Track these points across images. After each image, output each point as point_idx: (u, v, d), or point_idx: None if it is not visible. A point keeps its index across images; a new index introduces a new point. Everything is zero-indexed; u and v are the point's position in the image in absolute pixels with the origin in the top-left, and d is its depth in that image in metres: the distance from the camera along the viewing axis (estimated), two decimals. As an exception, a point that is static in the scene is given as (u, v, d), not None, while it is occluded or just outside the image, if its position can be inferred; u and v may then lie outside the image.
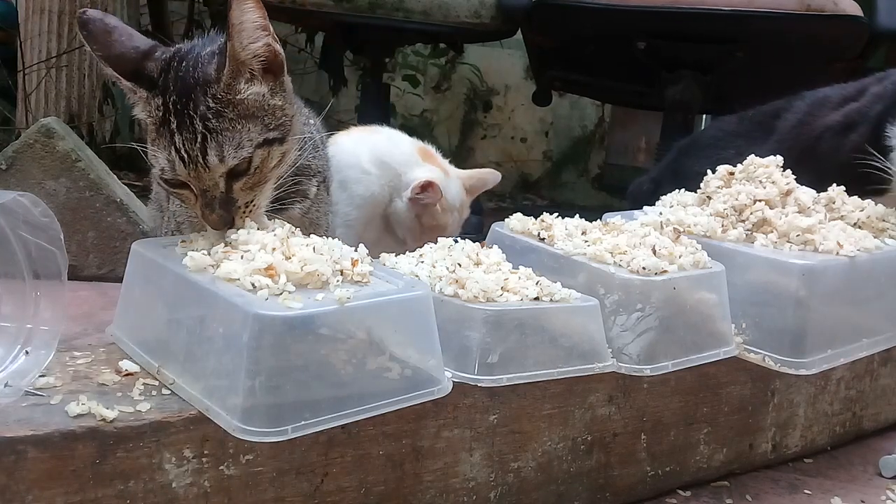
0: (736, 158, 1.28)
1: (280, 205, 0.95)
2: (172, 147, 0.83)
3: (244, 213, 0.87)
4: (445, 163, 1.50)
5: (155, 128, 0.84)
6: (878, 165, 1.36)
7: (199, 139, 0.82)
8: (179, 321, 0.84)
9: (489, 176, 1.50)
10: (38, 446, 0.68)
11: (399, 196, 1.43)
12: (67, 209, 1.72)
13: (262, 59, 0.86)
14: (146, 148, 0.87)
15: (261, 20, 0.84)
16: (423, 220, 1.42)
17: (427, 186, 1.39)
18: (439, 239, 1.02)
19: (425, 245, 1.01)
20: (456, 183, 1.47)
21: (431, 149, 1.51)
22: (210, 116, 0.83)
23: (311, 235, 0.87)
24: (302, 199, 1.02)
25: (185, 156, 0.82)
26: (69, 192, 1.74)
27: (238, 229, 0.86)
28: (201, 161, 0.83)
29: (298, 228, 0.91)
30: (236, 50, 0.84)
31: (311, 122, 1.11)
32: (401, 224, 1.44)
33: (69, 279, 0.84)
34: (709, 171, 1.24)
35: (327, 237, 0.88)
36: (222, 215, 0.85)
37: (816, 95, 1.64)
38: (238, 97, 0.85)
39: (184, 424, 0.74)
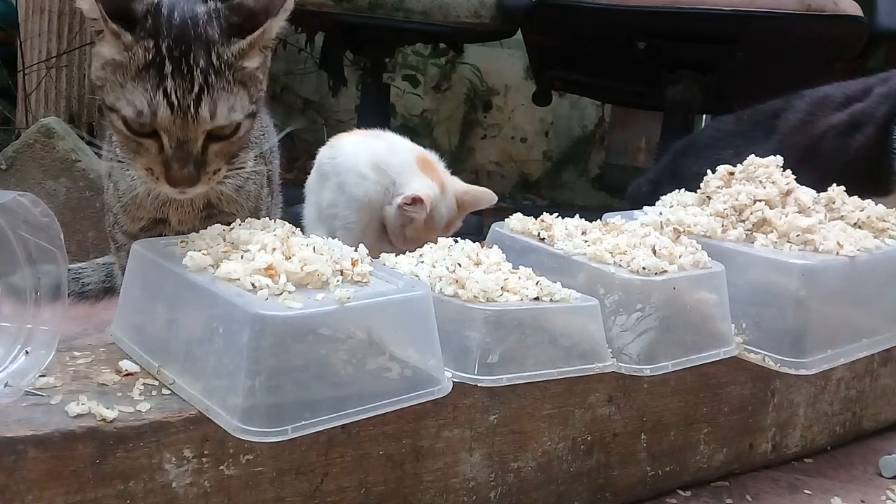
0: (734, 158, 1.27)
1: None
2: (160, 90, 0.81)
3: (210, 178, 0.87)
4: (445, 174, 1.49)
5: (135, 70, 0.82)
6: (884, 166, 1.36)
7: (195, 89, 0.82)
8: (179, 321, 0.84)
9: (485, 196, 1.48)
10: (38, 446, 0.68)
11: (390, 202, 1.42)
12: (67, 209, 1.72)
13: (273, 39, 0.89)
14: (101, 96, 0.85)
15: (291, 6, 0.88)
16: (406, 230, 1.42)
17: (416, 201, 1.38)
18: (439, 239, 1.02)
19: (425, 245, 1.01)
20: (449, 201, 1.44)
21: (433, 157, 1.50)
22: (211, 72, 0.83)
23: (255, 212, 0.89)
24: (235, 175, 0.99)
25: (175, 102, 0.81)
26: (69, 192, 1.74)
27: (196, 191, 0.86)
28: (192, 111, 0.82)
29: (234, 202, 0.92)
30: (273, 24, 0.87)
31: None
32: (389, 228, 1.45)
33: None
34: (709, 172, 1.24)
35: (269, 212, 0.88)
36: (190, 173, 0.84)
37: (817, 94, 1.64)
38: (242, 63, 0.86)
39: (184, 424, 0.74)
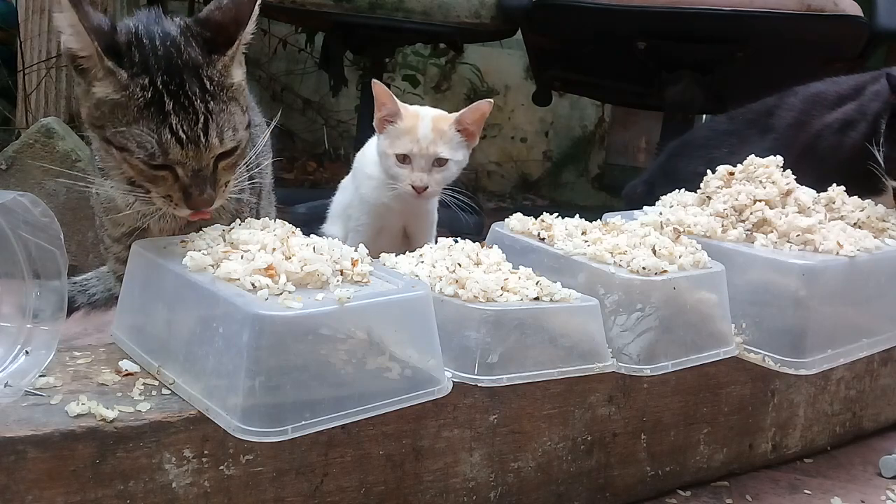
0: (729, 157, 1.27)
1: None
2: (167, 128, 0.81)
3: (224, 191, 0.89)
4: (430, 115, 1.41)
5: (137, 109, 0.82)
6: (875, 163, 1.36)
7: (201, 120, 0.83)
8: (179, 321, 0.83)
9: (481, 105, 1.36)
10: (38, 446, 0.68)
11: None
12: (67, 209, 1.72)
13: (246, 46, 0.89)
14: (92, 132, 0.85)
15: (257, 11, 0.88)
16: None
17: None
18: (439, 239, 1.02)
19: (425, 245, 1.01)
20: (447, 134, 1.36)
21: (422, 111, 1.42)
22: (209, 98, 0.84)
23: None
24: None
25: (184, 136, 0.82)
26: (69, 192, 1.74)
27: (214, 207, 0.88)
28: (203, 142, 0.83)
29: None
30: (244, 35, 0.86)
31: None
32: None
33: (69, 278, 0.84)
34: (709, 172, 1.24)
35: (258, 212, 0.90)
36: (210, 196, 0.86)
37: (809, 91, 1.64)
38: (229, 80, 0.86)
39: (184, 424, 0.74)
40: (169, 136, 0.82)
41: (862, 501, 1.10)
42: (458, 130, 1.36)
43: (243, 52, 0.89)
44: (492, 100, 1.36)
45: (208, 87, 0.84)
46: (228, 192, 0.90)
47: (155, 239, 0.93)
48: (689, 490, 1.10)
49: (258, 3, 0.86)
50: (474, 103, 1.35)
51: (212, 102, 0.84)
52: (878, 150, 1.37)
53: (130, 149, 0.82)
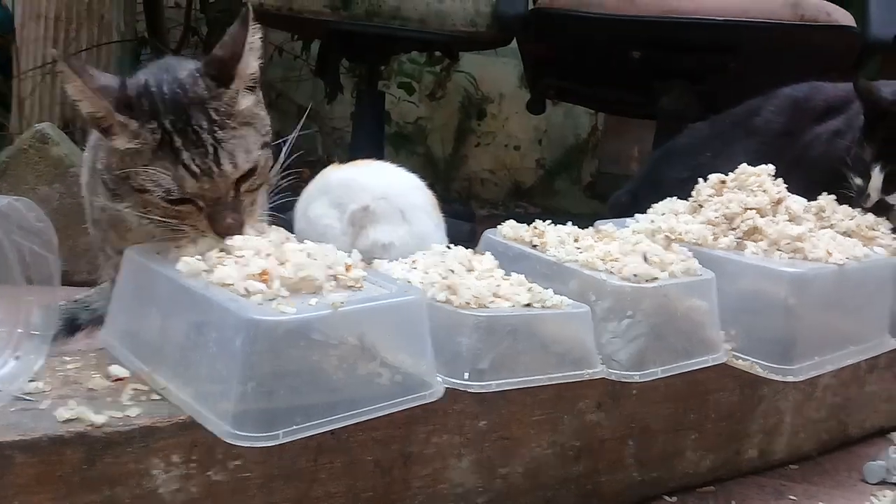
0: (712, 161, 1.28)
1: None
2: (180, 165, 0.84)
3: (251, 215, 0.91)
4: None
5: (151, 152, 0.85)
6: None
7: (210, 151, 0.85)
8: (172, 326, 0.84)
9: None
10: (26, 451, 0.68)
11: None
12: (61, 214, 1.71)
13: (254, 76, 0.91)
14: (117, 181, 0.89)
15: (260, 43, 0.91)
16: None
17: None
18: (433, 245, 1.03)
19: (417, 252, 1.01)
20: None
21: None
22: (217, 129, 0.86)
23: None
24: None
25: (197, 169, 0.84)
26: (62, 198, 1.74)
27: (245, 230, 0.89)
28: (216, 170, 0.85)
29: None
30: (242, 67, 0.89)
31: None
32: None
33: (61, 284, 0.84)
34: (700, 180, 1.25)
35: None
36: (237, 218, 0.88)
37: (795, 96, 1.65)
38: (237, 108, 0.88)
39: (173, 430, 0.74)
40: (183, 172, 0.84)
41: (847, 508, 1.10)
42: None
43: (253, 81, 0.91)
44: None
45: (215, 118, 0.86)
46: (257, 212, 0.93)
47: (148, 244, 0.93)
48: (675, 495, 1.10)
49: (250, 35, 0.89)
50: None
51: (220, 132, 0.86)
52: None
53: (150, 189, 0.85)
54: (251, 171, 0.89)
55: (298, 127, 1.02)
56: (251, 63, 0.90)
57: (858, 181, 1.38)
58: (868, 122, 1.39)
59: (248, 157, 0.88)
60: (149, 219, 0.89)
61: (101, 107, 0.85)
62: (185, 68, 0.90)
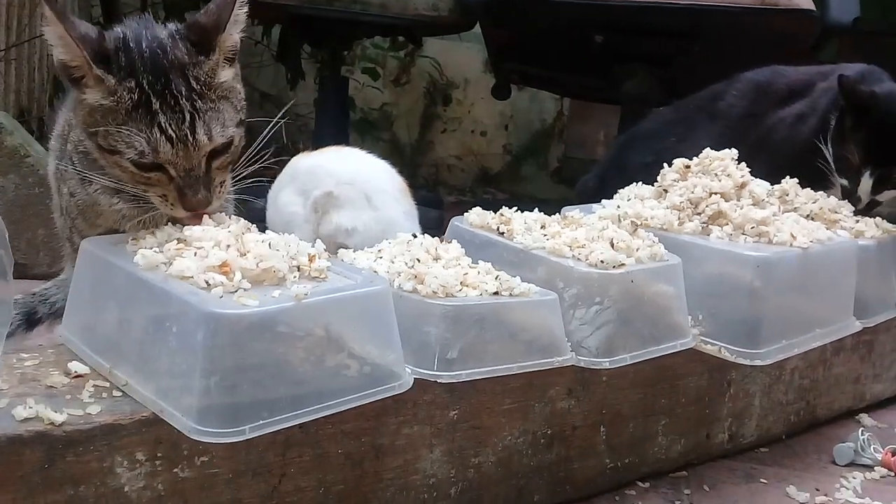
0: (677, 145, 1.28)
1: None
2: (156, 127, 0.83)
3: (220, 192, 0.90)
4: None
5: (125, 112, 0.83)
6: (823, 159, 1.39)
7: (187, 118, 0.83)
8: (131, 321, 0.82)
9: None
10: (-16, 452, 0.66)
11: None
12: (16, 206, 1.67)
13: (234, 49, 0.90)
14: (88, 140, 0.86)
15: (245, 17, 0.90)
16: None
17: None
18: (398, 234, 1.01)
19: (384, 241, 1.00)
20: None
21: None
22: (195, 97, 0.85)
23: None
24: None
25: (173, 135, 0.83)
26: (18, 189, 1.70)
27: (212, 208, 0.88)
28: (191, 139, 0.84)
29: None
30: (225, 38, 0.87)
31: None
32: None
33: (18, 277, 0.82)
34: (665, 165, 1.25)
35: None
36: (205, 196, 0.86)
37: (758, 80, 1.66)
38: (217, 80, 0.87)
39: (136, 427, 0.72)
40: (158, 135, 0.83)
41: (816, 489, 1.12)
42: None
43: (232, 54, 0.90)
44: None
45: (194, 86, 0.85)
46: (224, 193, 0.91)
47: (104, 237, 0.91)
48: (648, 481, 1.11)
49: (237, 6, 0.87)
50: None
51: (199, 101, 0.85)
52: (827, 148, 1.40)
53: (121, 150, 0.83)
54: (225, 147, 0.87)
55: (280, 115, 1.01)
56: (233, 35, 0.89)
57: (844, 182, 1.38)
58: (853, 119, 1.38)
59: (224, 132, 0.86)
60: (118, 197, 0.88)
61: (79, 56, 0.83)
62: (165, 28, 0.88)
